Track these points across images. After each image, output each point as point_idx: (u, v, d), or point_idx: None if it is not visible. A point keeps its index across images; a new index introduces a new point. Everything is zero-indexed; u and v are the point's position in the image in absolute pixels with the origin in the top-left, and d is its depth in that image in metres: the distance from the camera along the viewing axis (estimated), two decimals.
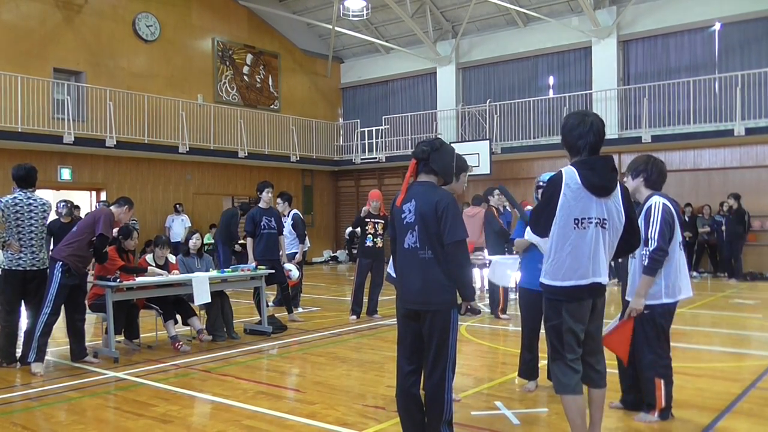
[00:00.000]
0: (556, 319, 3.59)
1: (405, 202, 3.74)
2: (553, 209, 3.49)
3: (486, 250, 9.57)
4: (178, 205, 16.90)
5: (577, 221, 3.47)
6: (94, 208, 12.35)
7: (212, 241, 16.93)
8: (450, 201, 3.63)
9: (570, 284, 3.51)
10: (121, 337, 7.31)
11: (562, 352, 3.59)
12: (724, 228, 14.40)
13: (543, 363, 5.37)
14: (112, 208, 6.75)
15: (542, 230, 3.62)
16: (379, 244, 9.11)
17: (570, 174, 3.50)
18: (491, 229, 9.06)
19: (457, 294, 3.67)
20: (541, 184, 5.29)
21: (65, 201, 9.73)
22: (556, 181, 3.53)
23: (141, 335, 7.48)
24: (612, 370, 5.58)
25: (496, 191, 9.24)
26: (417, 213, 3.65)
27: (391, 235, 3.92)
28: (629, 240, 3.68)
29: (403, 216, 3.73)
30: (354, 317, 9.08)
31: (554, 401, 5.03)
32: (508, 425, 4.48)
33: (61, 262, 6.23)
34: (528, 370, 5.48)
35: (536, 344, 5.43)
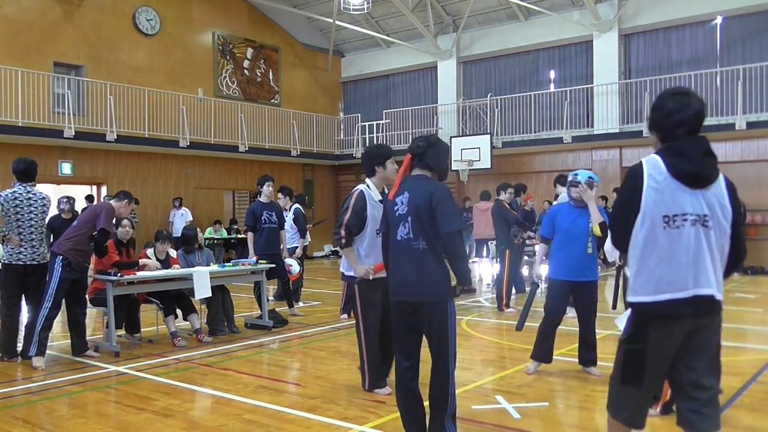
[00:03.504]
0: (638, 343, 2.80)
1: (398, 194, 3.73)
2: (635, 210, 2.78)
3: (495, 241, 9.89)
4: (175, 200, 16.83)
5: (667, 219, 2.74)
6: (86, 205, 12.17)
7: (213, 236, 16.96)
8: (445, 192, 3.63)
9: (664, 298, 2.75)
10: (122, 332, 7.32)
11: (640, 378, 2.81)
12: None
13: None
14: (111, 202, 6.74)
15: (625, 242, 2.86)
16: None
17: (653, 163, 2.81)
18: (502, 219, 9.33)
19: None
20: (573, 180, 5.42)
21: (67, 197, 9.72)
22: (635, 174, 2.84)
23: (142, 329, 7.49)
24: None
25: (510, 189, 9.63)
26: (410, 204, 3.64)
27: (383, 231, 3.90)
28: (733, 251, 2.87)
29: (396, 209, 3.71)
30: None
31: (555, 395, 5.04)
32: (508, 419, 4.48)
33: (61, 257, 6.23)
34: (543, 354, 5.58)
35: (554, 334, 5.55)
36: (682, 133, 2.81)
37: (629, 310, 3.36)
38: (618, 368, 2.90)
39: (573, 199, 5.50)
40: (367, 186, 4.99)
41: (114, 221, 6.86)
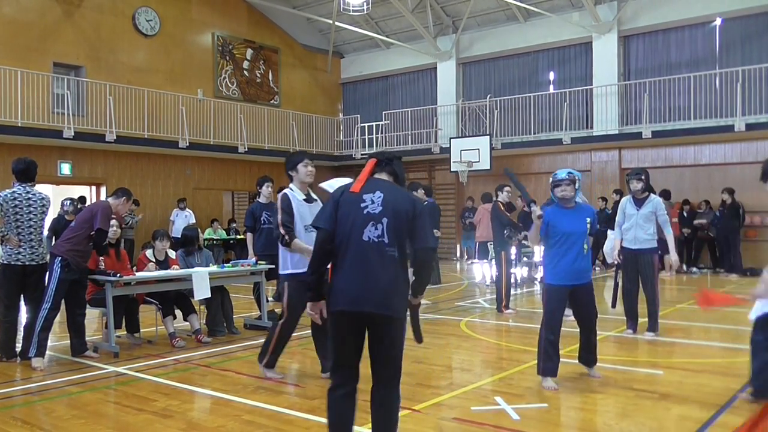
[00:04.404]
0: None
1: (366, 191, 3.39)
2: None
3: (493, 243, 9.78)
4: (180, 202, 16.73)
5: None
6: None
7: (212, 236, 16.93)
8: (424, 205, 3.50)
9: None
10: (123, 332, 7.32)
11: None
12: (717, 224, 14.44)
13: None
14: (109, 200, 6.72)
15: None
16: None
17: None
18: (498, 222, 9.24)
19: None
20: (554, 180, 5.35)
21: (71, 199, 9.72)
22: None
23: (141, 330, 7.48)
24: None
25: (506, 188, 9.49)
26: (387, 206, 3.33)
27: (328, 227, 3.39)
28: None
29: (363, 205, 3.34)
30: None
31: (554, 397, 5.03)
32: (507, 420, 4.48)
33: (60, 258, 6.23)
34: (554, 367, 5.31)
35: (558, 338, 5.36)
36: None
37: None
38: None
39: (560, 199, 5.39)
40: (291, 189, 5.54)
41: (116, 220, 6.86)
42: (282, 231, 5.35)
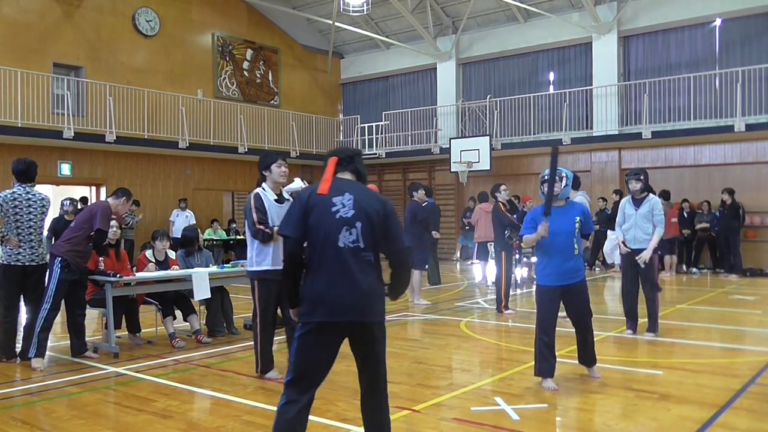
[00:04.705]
0: None
1: (335, 194, 3.22)
2: None
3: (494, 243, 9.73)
4: (181, 201, 16.73)
5: None
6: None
7: (213, 237, 16.93)
8: (392, 205, 3.40)
9: None
10: (123, 332, 7.32)
11: None
12: (717, 224, 14.46)
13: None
14: (109, 200, 6.72)
15: None
16: None
17: None
18: (499, 223, 9.18)
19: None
20: (546, 178, 5.30)
21: (70, 199, 9.71)
22: None
23: (141, 330, 7.48)
24: None
25: (503, 186, 9.47)
26: (359, 209, 3.20)
27: (294, 234, 3.22)
28: None
29: (334, 209, 3.18)
30: None
31: (553, 397, 5.03)
32: (507, 421, 4.48)
33: (60, 258, 6.23)
34: (551, 367, 5.29)
35: (553, 339, 5.32)
36: None
37: None
38: None
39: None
40: (263, 189, 5.64)
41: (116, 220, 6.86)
42: (262, 227, 5.44)
